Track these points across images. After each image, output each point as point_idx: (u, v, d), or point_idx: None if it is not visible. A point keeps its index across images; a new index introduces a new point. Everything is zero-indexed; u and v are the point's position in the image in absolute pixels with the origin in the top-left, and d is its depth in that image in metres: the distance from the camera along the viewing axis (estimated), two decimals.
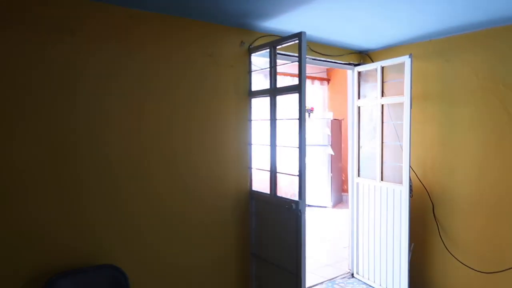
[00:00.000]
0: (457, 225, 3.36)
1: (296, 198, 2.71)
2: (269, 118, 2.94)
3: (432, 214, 3.51)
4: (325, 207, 7.44)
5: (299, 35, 2.59)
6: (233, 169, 3.10)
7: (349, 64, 3.94)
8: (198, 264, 2.94)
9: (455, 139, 3.36)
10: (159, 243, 2.75)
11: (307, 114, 7.72)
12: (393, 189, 3.55)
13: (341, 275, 4.16)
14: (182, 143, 2.83)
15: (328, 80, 8.37)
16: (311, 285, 3.93)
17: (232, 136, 3.08)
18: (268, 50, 2.95)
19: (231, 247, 3.12)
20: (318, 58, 3.65)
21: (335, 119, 7.57)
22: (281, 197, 2.87)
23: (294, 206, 2.66)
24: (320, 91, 8.29)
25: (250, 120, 3.18)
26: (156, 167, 2.71)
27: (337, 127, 7.58)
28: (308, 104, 7.82)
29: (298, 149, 2.66)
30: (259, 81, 3.11)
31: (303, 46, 2.58)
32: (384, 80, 3.67)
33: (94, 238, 2.46)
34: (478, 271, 3.18)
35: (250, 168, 3.19)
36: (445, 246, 3.41)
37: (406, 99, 3.35)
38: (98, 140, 2.46)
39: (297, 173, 2.68)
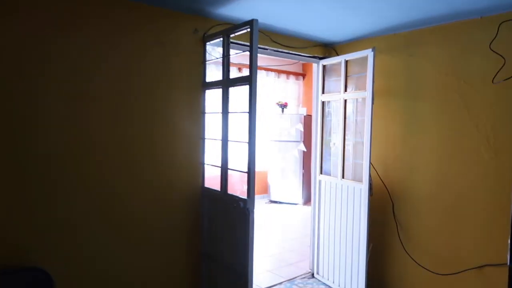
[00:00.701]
0: (415, 225, 3.28)
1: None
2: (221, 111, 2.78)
3: (392, 214, 3.42)
4: (296, 204, 7.34)
5: (250, 23, 2.42)
6: (184, 164, 2.93)
7: (314, 57, 3.80)
8: (143, 264, 2.77)
9: (416, 136, 3.26)
10: (96, 243, 2.55)
11: (280, 109, 7.60)
12: (354, 187, 3.44)
13: (302, 275, 4.05)
14: (128, 137, 2.64)
15: (303, 75, 8.24)
16: (269, 285, 3.80)
17: (183, 130, 2.90)
18: (221, 39, 2.78)
19: (180, 246, 2.96)
20: (281, 50, 3.49)
21: (308, 115, 7.46)
22: (231, 195, 2.72)
23: (242, 204, 2.51)
24: (295, 86, 8.16)
25: (204, 113, 3.01)
26: (95, 162, 2.51)
27: (310, 123, 7.47)
28: (282, 99, 7.70)
29: (248, 144, 2.50)
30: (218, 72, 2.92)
31: (254, 35, 2.42)
32: (348, 75, 3.55)
33: (17, 238, 2.25)
34: (435, 273, 3.10)
35: (203, 164, 3.03)
36: (403, 247, 3.33)
37: (368, 94, 3.23)
38: (25, 130, 2.25)
39: (246, 170, 2.53)
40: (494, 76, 2.60)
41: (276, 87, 7.76)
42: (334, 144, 3.80)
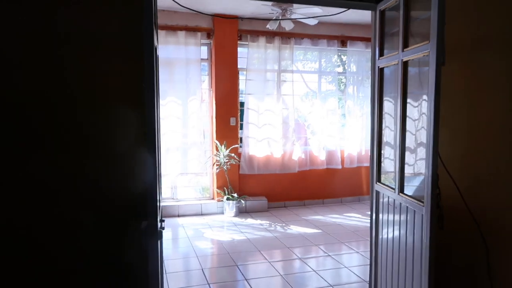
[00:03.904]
0: None
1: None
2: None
3: (486, 267, 1.89)
4: None
5: None
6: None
7: (366, 1, 2.45)
8: None
9: None
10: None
11: None
12: (414, 211, 2.03)
13: None
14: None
15: None
16: None
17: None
18: None
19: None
20: None
21: None
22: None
23: (142, 224, 1.57)
24: None
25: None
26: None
27: None
28: None
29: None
30: None
31: None
32: (410, 21, 2.12)
33: None
34: None
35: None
36: None
37: (431, 47, 1.81)
38: None
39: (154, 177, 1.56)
40: None
41: None
42: (391, 138, 2.39)
